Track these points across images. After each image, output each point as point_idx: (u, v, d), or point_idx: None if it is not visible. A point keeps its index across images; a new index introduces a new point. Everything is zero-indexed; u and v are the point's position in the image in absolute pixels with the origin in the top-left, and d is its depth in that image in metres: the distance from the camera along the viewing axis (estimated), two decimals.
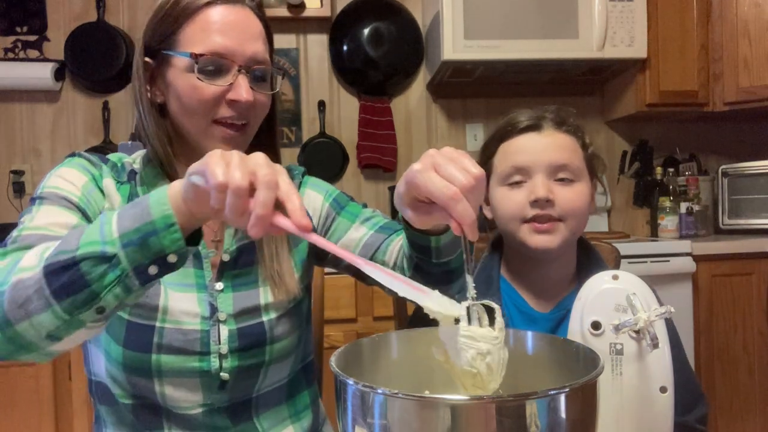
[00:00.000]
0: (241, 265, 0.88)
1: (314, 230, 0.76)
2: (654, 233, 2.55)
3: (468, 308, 0.55)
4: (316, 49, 2.62)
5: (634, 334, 0.70)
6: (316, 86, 2.63)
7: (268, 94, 0.87)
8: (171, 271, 0.60)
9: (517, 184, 0.94)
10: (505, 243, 1.02)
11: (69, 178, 0.82)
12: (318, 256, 0.98)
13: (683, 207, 2.47)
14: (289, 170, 0.98)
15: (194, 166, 0.56)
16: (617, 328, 0.70)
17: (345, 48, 2.57)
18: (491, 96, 2.67)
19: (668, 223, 2.44)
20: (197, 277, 0.85)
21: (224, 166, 0.54)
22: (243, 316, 0.85)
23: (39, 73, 2.40)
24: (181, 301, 0.82)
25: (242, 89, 0.82)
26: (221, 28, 0.81)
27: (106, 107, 2.50)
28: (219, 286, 0.86)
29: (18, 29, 2.48)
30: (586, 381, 0.48)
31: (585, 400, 0.49)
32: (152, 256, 0.58)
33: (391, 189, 2.57)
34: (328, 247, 0.56)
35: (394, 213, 2.40)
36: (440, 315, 0.53)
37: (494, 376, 0.54)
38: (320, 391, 1.11)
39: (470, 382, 0.54)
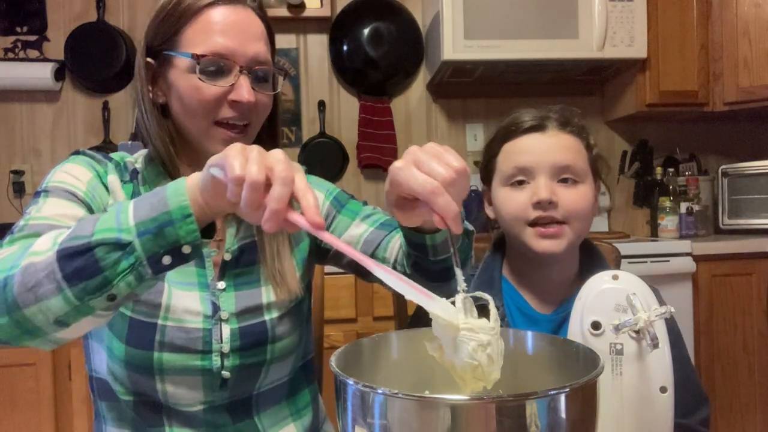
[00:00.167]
0: (243, 264, 0.89)
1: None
2: (654, 233, 2.55)
3: (462, 301, 0.56)
4: (316, 49, 2.62)
5: (634, 334, 0.70)
6: (316, 86, 2.63)
7: (269, 94, 0.87)
8: (184, 262, 0.60)
9: (520, 184, 0.94)
10: (508, 244, 1.01)
11: (74, 173, 0.82)
12: (319, 255, 0.98)
13: (683, 207, 2.47)
14: None
15: (213, 159, 0.57)
16: (617, 328, 0.70)
17: (345, 48, 2.58)
18: (491, 96, 2.67)
19: (668, 223, 2.44)
20: (199, 276, 0.85)
21: (243, 159, 0.54)
22: (245, 315, 0.86)
23: (39, 73, 2.40)
24: (184, 299, 0.83)
25: (244, 90, 0.82)
26: (223, 28, 0.81)
27: (106, 107, 2.50)
28: (221, 285, 0.86)
29: (18, 29, 2.48)
30: (586, 381, 0.48)
31: (585, 400, 0.49)
32: (167, 246, 0.58)
33: None
34: (339, 246, 0.56)
35: None
36: (445, 322, 0.53)
37: (495, 366, 0.54)
38: (320, 391, 1.11)
39: (470, 375, 0.54)
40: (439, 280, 0.81)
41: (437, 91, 2.67)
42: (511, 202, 0.94)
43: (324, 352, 1.23)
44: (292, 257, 0.92)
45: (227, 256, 0.88)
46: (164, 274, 0.61)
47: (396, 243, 0.88)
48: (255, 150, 0.56)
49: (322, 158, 2.57)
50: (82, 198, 0.79)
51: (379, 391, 0.47)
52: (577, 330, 0.73)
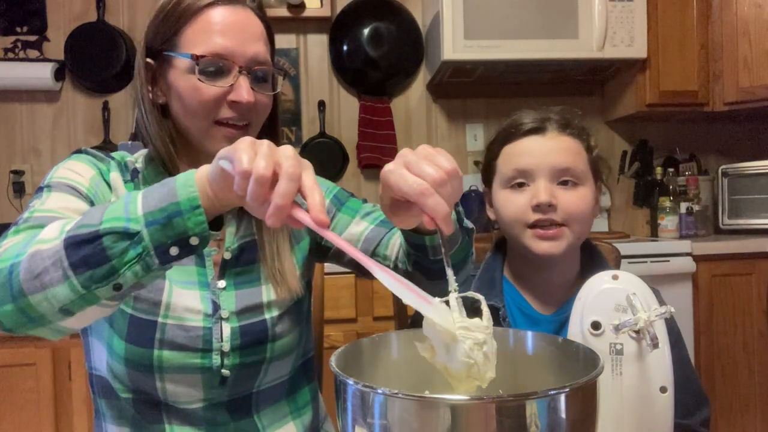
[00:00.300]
0: (243, 263, 0.89)
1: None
2: (654, 233, 2.55)
3: (454, 300, 0.56)
4: (316, 49, 2.62)
5: (634, 334, 0.70)
6: (316, 86, 2.63)
7: (269, 94, 0.87)
8: (192, 254, 0.61)
9: (520, 187, 0.94)
10: (508, 245, 1.01)
11: (77, 170, 0.82)
12: (320, 253, 0.98)
13: (683, 207, 2.47)
14: None
15: (223, 151, 0.57)
16: (617, 328, 0.70)
17: (345, 48, 2.58)
18: (491, 96, 2.67)
19: (668, 223, 2.44)
20: (199, 275, 0.85)
21: (252, 153, 0.54)
22: (245, 314, 0.86)
23: (39, 73, 2.40)
24: (184, 297, 0.83)
25: (243, 90, 0.82)
26: (222, 29, 0.81)
27: (106, 107, 2.50)
28: (221, 283, 0.86)
29: (18, 29, 2.48)
30: (586, 381, 0.48)
31: (585, 400, 0.49)
32: (175, 237, 0.59)
33: None
34: (341, 245, 0.56)
35: None
36: (442, 328, 0.53)
37: (490, 365, 0.54)
38: (321, 390, 1.11)
39: (465, 374, 0.54)
40: (440, 278, 0.81)
41: (437, 91, 2.67)
42: (510, 204, 0.94)
43: (324, 352, 1.23)
44: (292, 255, 0.92)
45: (227, 255, 0.88)
46: (171, 264, 0.61)
47: (396, 240, 0.89)
48: (265, 144, 0.56)
49: (322, 158, 2.57)
50: (85, 194, 0.79)
51: (379, 391, 0.47)
52: (577, 330, 0.73)
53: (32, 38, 2.48)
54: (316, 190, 0.55)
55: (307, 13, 2.49)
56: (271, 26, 0.89)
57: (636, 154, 2.68)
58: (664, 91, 2.40)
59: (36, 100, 2.49)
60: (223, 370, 0.83)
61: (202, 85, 0.81)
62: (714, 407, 2.16)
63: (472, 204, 2.36)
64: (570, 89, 2.69)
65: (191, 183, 0.60)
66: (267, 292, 0.88)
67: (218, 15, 0.82)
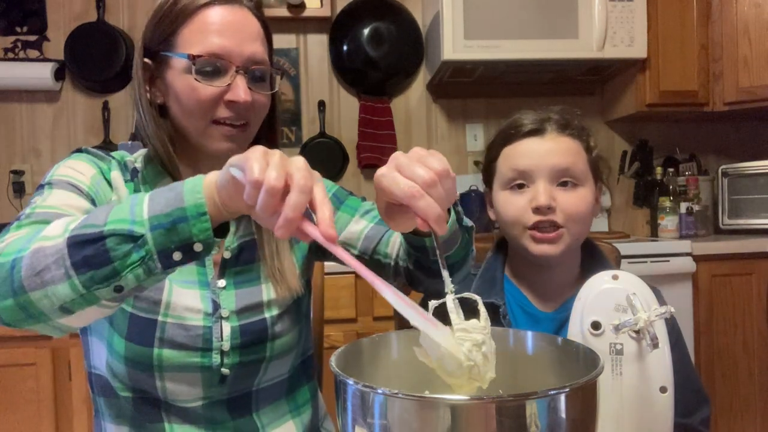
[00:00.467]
0: (243, 262, 0.89)
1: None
2: (654, 233, 2.55)
3: (451, 302, 0.56)
4: (316, 49, 2.62)
5: (634, 334, 0.70)
6: (316, 86, 2.63)
7: (266, 94, 0.87)
8: (195, 260, 0.60)
9: (520, 188, 0.94)
10: (509, 245, 1.01)
11: (78, 168, 0.82)
12: (320, 252, 0.98)
13: (683, 207, 2.47)
14: None
15: (235, 159, 0.57)
16: (617, 328, 0.70)
17: (345, 48, 2.58)
18: (491, 96, 2.67)
19: (668, 223, 2.44)
20: (199, 274, 0.86)
21: (263, 163, 0.54)
22: (245, 313, 0.86)
23: (39, 73, 2.40)
24: (184, 296, 0.83)
25: (240, 90, 0.82)
26: (219, 28, 0.81)
27: (106, 107, 2.50)
28: (221, 283, 0.86)
29: (18, 29, 2.48)
30: (586, 381, 0.48)
31: (585, 400, 0.49)
32: (179, 242, 0.58)
33: None
34: (350, 263, 0.55)
35: None
36: (445, 351, 0.53)
37: (489, 366, 0.54)
38: (320, 390, 1.11)
39: (466, 376, 0.53)
40: (439, 277, 0.81)
41: (437, 91, 2.67)
42: (510, 206, 0.94)
43: (324, 352, 1.23)
44: (292, 254, 0.93)
45: (227, 254, 0.88)
46: (173, 269, 0.61)
47: (397, 238, 0.89)
48: (277, 155, 0.55)
49: (322, 158, 2.57)
50: (86, 192, 0.79)
51: (379, 391, 0.47)
52: (577, 330, 0.73)
53: (32, 38, 2.48)
54: (326, 204, 0.54)
55: (307, 13, 2.49)
56: (269, 26, 0.89)
57: (636, 154, 2.68)
58: (664, 91, 2.40)
59: (36, 100, 2.50)
60: (222, 369, 0.83)
61: (199, 84, 0.81)
62: (714, 407, 2.16)
63: (473, 204, 2.36)
64: (570, 89, 2.69)
65: (199, 189, 0.59)
66: (267, 291, 0.88)
67: (215, 15, 0.82)
